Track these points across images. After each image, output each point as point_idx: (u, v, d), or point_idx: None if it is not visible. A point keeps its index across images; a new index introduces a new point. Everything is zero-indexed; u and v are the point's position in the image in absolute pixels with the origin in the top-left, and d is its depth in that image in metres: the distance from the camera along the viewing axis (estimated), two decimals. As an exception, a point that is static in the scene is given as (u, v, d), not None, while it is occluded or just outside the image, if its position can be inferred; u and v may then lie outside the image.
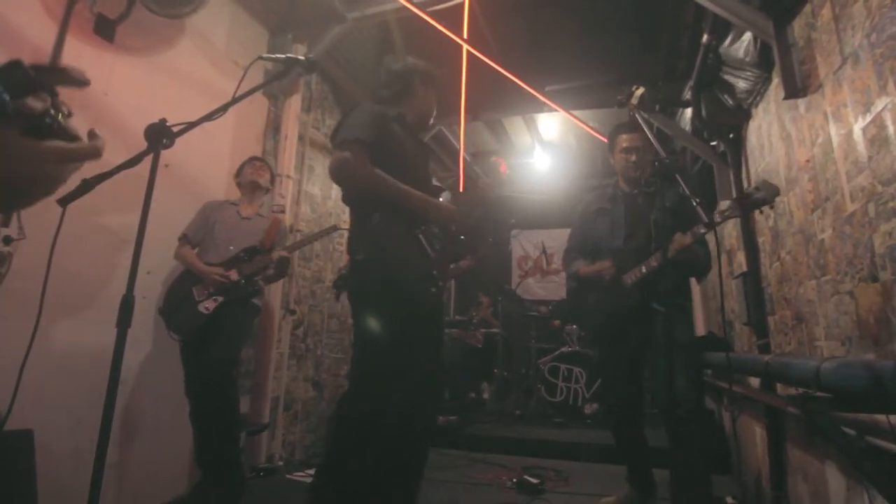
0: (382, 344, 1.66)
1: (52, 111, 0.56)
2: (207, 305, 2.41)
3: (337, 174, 1.65)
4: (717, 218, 1.82)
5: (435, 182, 1.89)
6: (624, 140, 2.31)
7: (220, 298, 2.44)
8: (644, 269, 2.09)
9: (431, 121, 2.07)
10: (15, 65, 0.56)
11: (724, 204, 1.83)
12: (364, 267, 1.71)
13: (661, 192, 1.76)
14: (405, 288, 1.67)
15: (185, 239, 2.57)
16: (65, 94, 0.59)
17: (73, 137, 0.57)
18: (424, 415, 1.81)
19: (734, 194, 2.82)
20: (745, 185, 2.72)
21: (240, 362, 2.70)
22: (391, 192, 1.66)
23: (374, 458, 1.67)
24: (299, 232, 3.44)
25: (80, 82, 0.63)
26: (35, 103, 0.54)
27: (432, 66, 2.02)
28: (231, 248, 2.55)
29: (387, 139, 1.71)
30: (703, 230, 1.86)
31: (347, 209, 1.91)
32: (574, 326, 4.79)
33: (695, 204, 1.70)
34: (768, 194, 1.72)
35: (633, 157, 2.27)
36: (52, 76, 0.60)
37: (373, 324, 1.67)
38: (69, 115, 0.58)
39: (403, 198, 1.68)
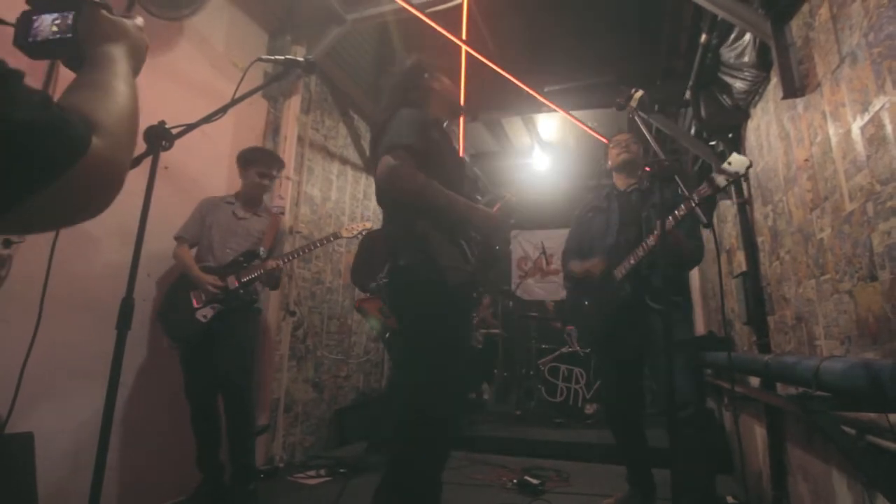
0: (434, 348, 1.64)
1: None
2: (205, 313, 2.36)
3: (386, 181, 1.59)
4: (695, 198, 1.86)
5: (477, 197, 1.89)
6: (615, 138, 2.52)
7: (218, 306, 2.39)
8: (633, 260, 2.13)
9: (461, 102, 2.06)
10: None
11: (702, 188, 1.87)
12: (407, 272, 1.67)
13: (654, 189, 1.81)
14: (449, 292, 1.64)
15: (181, 240, 2.49)
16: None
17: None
18: (458, 419, 1.81)
19: (732, 193, 2.83)
20: (744, 184, 2.73)
21: (255, 371, 2.64)
22: (439, 200, 1.63)
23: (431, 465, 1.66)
24: (299, 233, 3.44)
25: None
26: None
27: (428, 57, 1.95)
28: (228, 250, 2.49)
29: (430, 145, 1.68)
30: (682, 211, 1.92)
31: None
32: (573, 327, 4.79)
33: (694, 205, 1.71)
34: (739, 167, 1.76)
35: (619, 151, 2.44)
36: None
37: (422, 328, 1.67)
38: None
39: (450, 204, 1.65)
